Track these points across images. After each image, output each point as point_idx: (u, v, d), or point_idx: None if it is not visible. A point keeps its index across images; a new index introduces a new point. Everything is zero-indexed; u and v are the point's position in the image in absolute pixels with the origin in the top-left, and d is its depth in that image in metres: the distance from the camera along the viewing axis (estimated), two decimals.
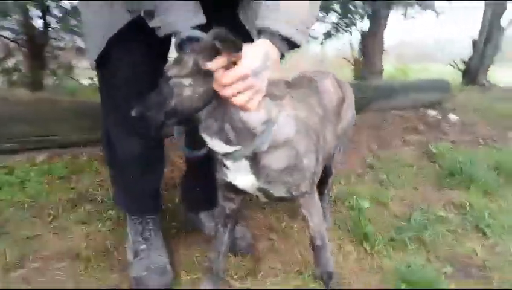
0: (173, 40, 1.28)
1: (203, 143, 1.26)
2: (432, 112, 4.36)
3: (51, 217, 1.96)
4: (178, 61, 1.05)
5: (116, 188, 1.68)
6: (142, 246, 1.56)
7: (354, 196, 2.15)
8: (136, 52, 1.43)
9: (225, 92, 1.00)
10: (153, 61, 1.50)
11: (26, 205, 2.07)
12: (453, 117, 4.31)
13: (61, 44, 6.45)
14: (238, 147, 1.11)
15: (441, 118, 4.28)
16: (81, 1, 1.52)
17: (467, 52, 7.16)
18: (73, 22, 5.60)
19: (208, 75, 1.01)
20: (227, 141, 1.09)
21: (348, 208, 2.07)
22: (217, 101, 1.05)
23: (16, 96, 4.06)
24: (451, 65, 7.54)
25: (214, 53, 0.99)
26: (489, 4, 6.66)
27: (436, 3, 7.78)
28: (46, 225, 1.91)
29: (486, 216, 1.94)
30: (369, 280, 1.52)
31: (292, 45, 1.15)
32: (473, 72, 6.55)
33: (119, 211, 1.90)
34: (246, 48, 1.00)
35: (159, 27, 1.20)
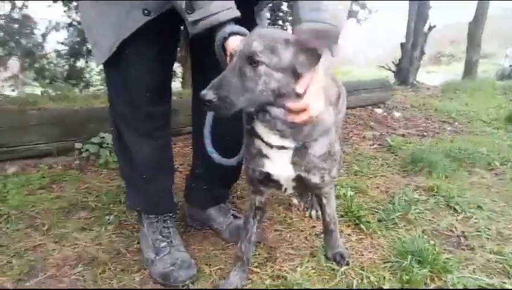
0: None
1: (235, 150, 1.37)
2: (379, 110, 4.75)
3: (45, 227, 1.90)
4: (272, 50, 1.07)
5: (132, 190, 1.69)
6: (163, 244, 1.60)
7: (338, 186, 2.33)
8: (150, 50, 1.47)
9: (291, 119, 1.14)
10: (165, 59, 1.56)
11: (13, 217, 1.97)
12: (396, 114, 4.73)
13: None
14: (294, 143, 1.22)
15: (386, 114, 4.69)
16: (88, 2, 1.50)
17: (389, 55, 7.87)
18: None
19: (295, 76, 1.10)
20: (294, 138, 1.21)
21: (335, 197, 2.24)
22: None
23: None
24: (383, 66, 8.21)
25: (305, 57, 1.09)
26: (412, 12, 7.37)
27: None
28: (43, 234, 1.85)
29: (455, 196, 2.22)
30: (372, 257, 1.69)
31: None
32: (403, 73, 7.18)
33: (132, 211, 1.93)
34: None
35: (198, 21, 1.20)
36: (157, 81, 1.55)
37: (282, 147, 1.23)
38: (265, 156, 1.28)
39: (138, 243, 1.74)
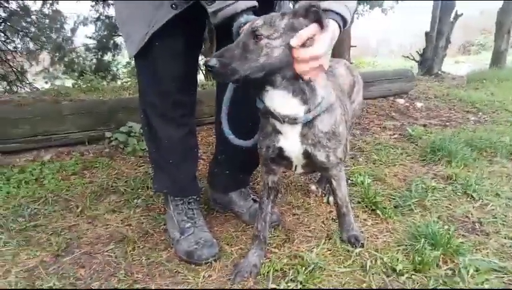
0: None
1: (252, 134, 1.45)
2: (401, 100, 4.74)
3: (79, 209, 2.05)
4: (270, 23, 1.17)
5: (159, 174, 1.80)
6: (188, 225, 1.71)
7: (356, 174, 2.40)
8: (178, 42, 1.57)
9: (299, 67, 1.19)
10: (191, 51, 1.66)
11: (50, 200, 2.14)
12: (419, 104, 4.71)
13: (11, 47, 6.24)
14: (307, 108, 1.30)
15: (408, 105, 4.67)
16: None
17: (413, 45, 7.75)
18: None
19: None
20: (304, 101, 1.29)
21: (353, 185, 2.30)
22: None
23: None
24: (407, 56, 8.09)
25: (303, 19, 1.18)
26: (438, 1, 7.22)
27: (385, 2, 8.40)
28: (77, 216, 2.00)
29: (473, 184, 2.24)
30: (387, 240, 1.75)
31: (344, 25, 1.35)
32: (428, 62, 7.07)
33: (158, 195, 2.08)
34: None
35: (218, 11, 1.29)
36: (184, 72, 1.65)
37: (294, 120, 1.31)
38: (279, 132, 1.37)
39: (164, 224, 1.86)
